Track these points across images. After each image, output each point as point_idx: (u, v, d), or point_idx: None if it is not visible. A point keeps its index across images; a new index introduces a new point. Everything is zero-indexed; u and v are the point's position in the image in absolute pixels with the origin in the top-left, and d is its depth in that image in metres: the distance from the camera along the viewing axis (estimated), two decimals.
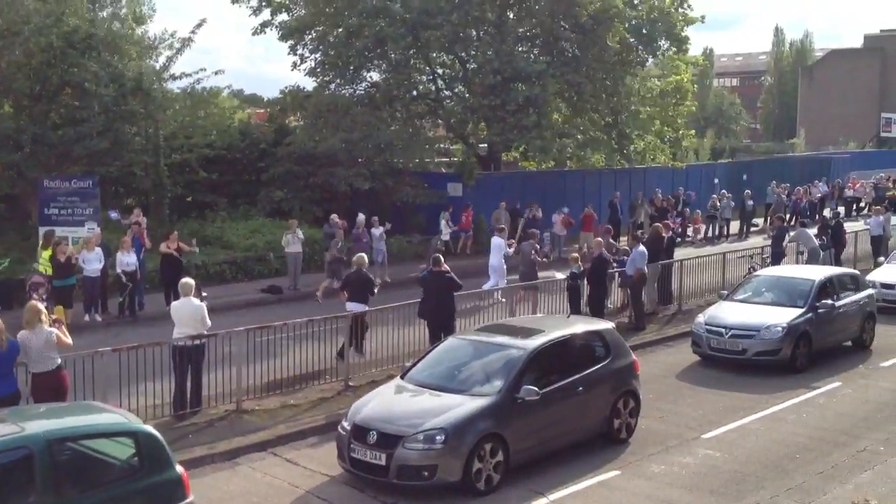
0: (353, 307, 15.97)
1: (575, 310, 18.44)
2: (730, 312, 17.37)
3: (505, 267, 21.79)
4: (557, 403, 11.73)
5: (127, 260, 20.18)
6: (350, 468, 11.00)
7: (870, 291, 19.21)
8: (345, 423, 11.22)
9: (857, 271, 20.87)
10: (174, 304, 13.89)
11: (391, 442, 10.57)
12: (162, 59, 28.28)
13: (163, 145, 27.31)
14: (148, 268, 21.96)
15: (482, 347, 12.37)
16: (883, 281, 21.75)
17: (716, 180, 39.24)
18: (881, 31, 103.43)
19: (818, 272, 18.76)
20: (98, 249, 20.05)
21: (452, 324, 15.99)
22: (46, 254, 19.60)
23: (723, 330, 16.78)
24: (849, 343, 18.31)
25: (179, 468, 8.74)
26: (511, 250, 22.18)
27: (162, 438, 8.73)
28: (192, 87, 28.86)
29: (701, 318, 17.49)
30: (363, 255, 17.24)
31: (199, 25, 28.30)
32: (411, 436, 10.53)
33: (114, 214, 24.91)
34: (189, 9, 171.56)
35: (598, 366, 12.52)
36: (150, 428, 8.83)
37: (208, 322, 13.54)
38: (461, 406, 10.92)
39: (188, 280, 13.83)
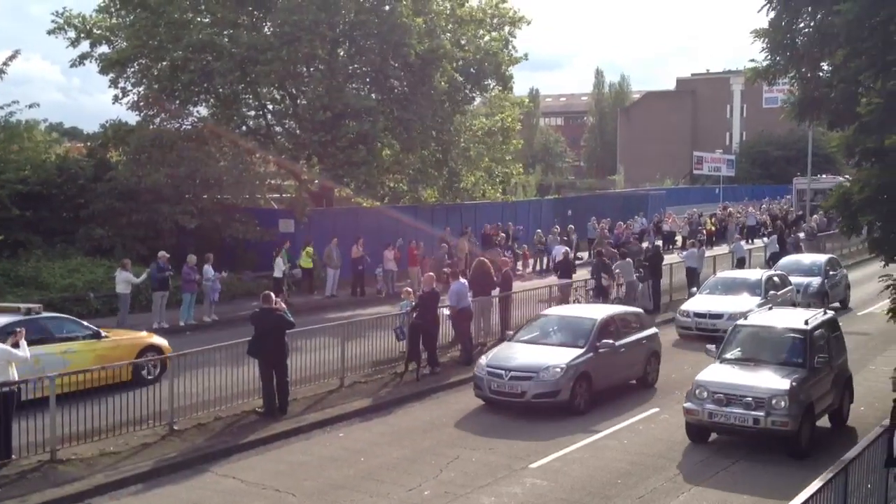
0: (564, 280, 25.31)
1: (411, 346, 18.55)
2: (512, 353, 16.76)
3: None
4: None
5: None
6: None
7: (653, 330, 18.88)
8: None
9: (640, 310, 20.69)
10: None
11: None
12: None
13: None
14: None
15: None
16: (696, 310, 23.02)
17: (570, 226, 40.39)
18: (692, 74, 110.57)
19: (600, 311, 18.32)
20: None
21: (284, 362, 15.72)
22: None
23: (503, 372, 16.07)
24: (634, 382, 17.94)
25: None
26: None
27: None
28: (4, 120, 27.43)
29: (483, 360, 16.72)
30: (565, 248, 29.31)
31: (12, 57, 27.15)
32: None
33: None
34: (1, 37, 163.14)
35: None
36: None
37: (25, 355, 13.06)
38: None
39: None
